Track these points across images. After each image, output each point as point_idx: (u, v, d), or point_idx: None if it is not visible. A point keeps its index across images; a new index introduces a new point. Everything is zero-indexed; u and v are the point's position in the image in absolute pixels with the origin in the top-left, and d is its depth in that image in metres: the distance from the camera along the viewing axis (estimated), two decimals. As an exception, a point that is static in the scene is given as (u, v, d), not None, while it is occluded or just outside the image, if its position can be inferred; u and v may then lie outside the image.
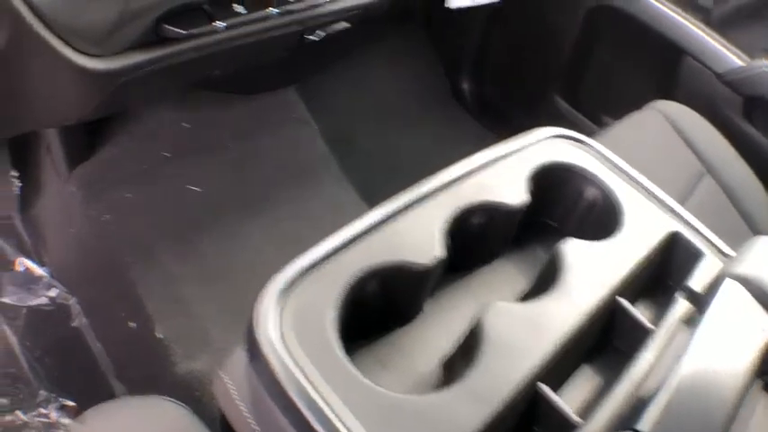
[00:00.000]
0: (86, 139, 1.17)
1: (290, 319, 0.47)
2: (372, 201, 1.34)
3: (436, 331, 0.58)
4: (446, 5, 1.29)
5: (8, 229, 1.40)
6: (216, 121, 1.28)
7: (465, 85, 1.76)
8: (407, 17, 1.68)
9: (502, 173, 0.63)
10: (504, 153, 0.65)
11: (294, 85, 1.42)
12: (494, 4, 1.33)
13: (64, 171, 1.18)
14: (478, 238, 0.62)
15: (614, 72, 1.49)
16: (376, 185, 1.40)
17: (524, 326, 0.52)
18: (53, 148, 1.17)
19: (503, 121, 1.65)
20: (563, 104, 1.56)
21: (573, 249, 0.59)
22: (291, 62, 1.25)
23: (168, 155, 1.20)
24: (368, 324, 0.55)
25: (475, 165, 0.63)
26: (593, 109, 1.53)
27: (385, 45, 1.65)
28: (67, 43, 0.72)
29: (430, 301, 0.60)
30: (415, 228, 0.56)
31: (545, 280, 0.59)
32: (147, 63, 0.79)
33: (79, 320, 1.27)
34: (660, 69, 1.37)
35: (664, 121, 1.15)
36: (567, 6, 1.46)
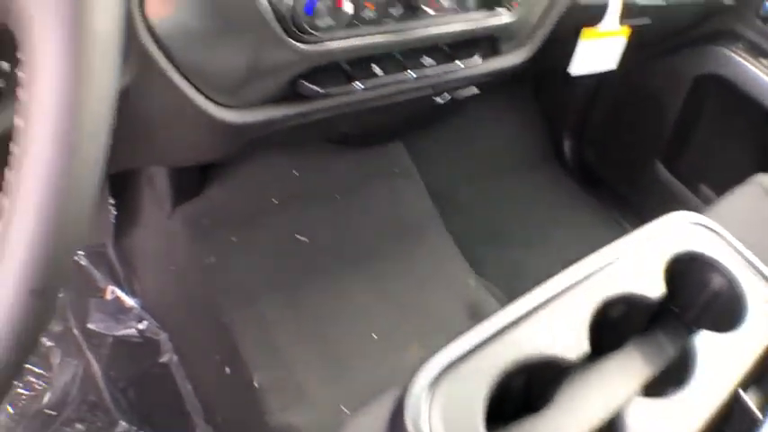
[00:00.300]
0: (195, 177, 1.17)
1: (439, 413, 0.47)
2: (473, 258, 1.34)
3: (569, 421, 0.58)
4: (568, 71, 1.25)
5: (100, 257, 1.40)
6: (324, 170, 1.27)
7: (566, 145, 1.78)
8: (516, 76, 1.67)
9: (640, 263, 0.64)
10: (640, 242, 0.66)
11: (401, 138, 1.40)
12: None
13: (168, 207, 1.18)
14: (613, 328, 0.62)
15: (717, 142, 1.48)
16: (477, 242, 1.38)
17: (663, 422, 0.53)
18: (157, 182, 1.17)
19: (601, 183, 1.67)
20: (663, 171, 1.56)
21: (705, 343, 0.59)
22: (401, 117, 1.22)
23: (276, 201, 1.19)
24: (500, 412, 0.55)
25: (614, 255, 0.63)
26: (693, 178, 1.52)
27: (489, 101, 1.63)
28: (198, 90, 0.70)
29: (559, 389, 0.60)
30: (561, 321, 0.56)
31: (675, 371, 0.59)
32: (281, 119, 0.77)
33: (169, 357, 1.25)
34: (764, 141, 1.32)
35: (768, 197, 1.09)
36: (673, 74, 1.46)
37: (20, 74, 0.35)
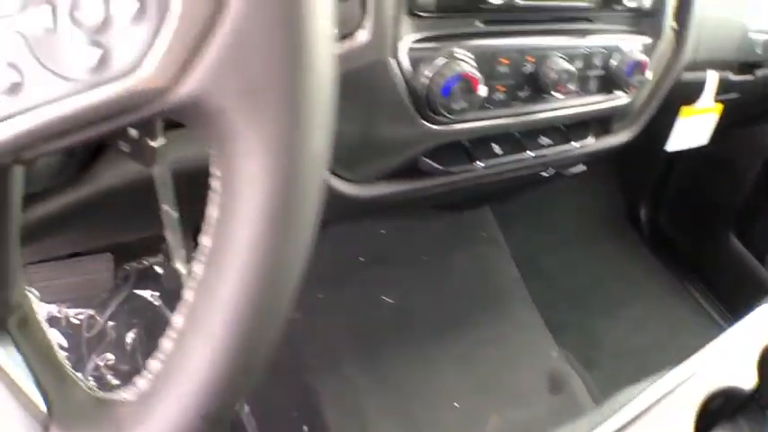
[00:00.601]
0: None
1: None
2: (554, 326, 1.33)
3: None
4: (665, 149, 1.24)
5: (176, 300, 1.40)
6: (412, 231, 1.26)
7: (642, 212, 1.75)
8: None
9: (737, 357, 0.63)
10: (737, 336, 0.65)
11: (488, 203, 1.39)
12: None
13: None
14: (709, 420, 0.61)
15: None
16: (557, 310, 1.36)
17: None
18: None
19: (675, 251, 1.66)
20: (735, 243, 1.56)
21: None
22: (496, 186, 1.21)
23: (363, 260, 1.18)
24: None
25: (713, 352, 0.64)
26: (765, 252, 1.51)
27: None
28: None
29: None
30: (668, 419, 0.57)
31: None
32: (397, 195, 0.76)
33: (241, 408, 1.24)
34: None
35: None
36: (751, 144, 1.46)
37: (213, 183, 0.33)
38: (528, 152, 0.81)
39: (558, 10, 0.75)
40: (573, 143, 0.85)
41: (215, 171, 0.32)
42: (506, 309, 1.29)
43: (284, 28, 0.29)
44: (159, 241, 0.54)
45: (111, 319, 1.35)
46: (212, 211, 0.32)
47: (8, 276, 0.38)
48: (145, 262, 1.30)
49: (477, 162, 0.77)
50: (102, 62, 0.28)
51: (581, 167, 0.97)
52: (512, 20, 0.72)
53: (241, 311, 0.32)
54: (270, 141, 0.30)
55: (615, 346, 1.43)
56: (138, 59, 0.28)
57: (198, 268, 0.33)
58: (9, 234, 0.38)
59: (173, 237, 0.52)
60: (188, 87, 0.29)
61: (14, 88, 0.29)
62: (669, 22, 0.92)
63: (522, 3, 0.70)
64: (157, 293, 1.34)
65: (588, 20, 0.81)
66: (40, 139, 0.30)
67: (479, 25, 0.70)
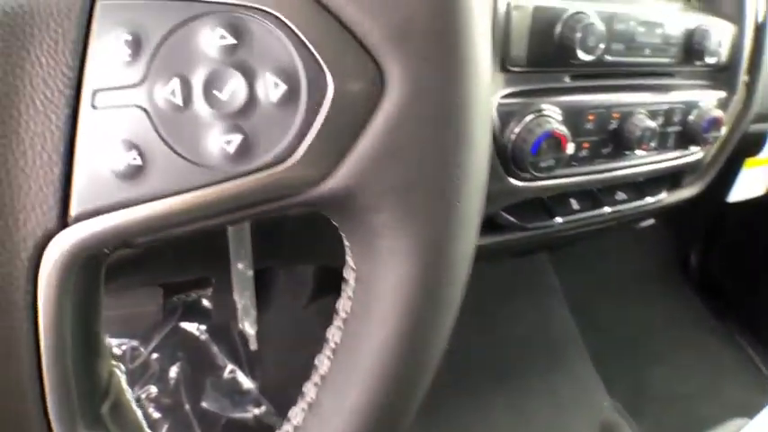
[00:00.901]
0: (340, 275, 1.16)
1: None
2: (605, 375, 1.30)
3: None
4: (726, 200, 1.23)
5: (222, 334, 1.39)
6: (472, 277, 1.24)
7: (692, 259, 1.73)
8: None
9: None
10: None
11: (547, 251, 1.38)
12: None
13: (305, 299, 1.16)
14: None
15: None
16: (610, 357, 1.33)
17: None
18: (299, 276, 1.16)
19: (725, 300, 1.64)
20: None
21: None
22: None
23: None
24: None
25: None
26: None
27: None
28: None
29: None
30: None
31: None
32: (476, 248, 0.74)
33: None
34: None
35: None
36: None
37: (346, 274, 0.31)
38: (605, 208, 0.79)
39: (644, 65, 0.74)
40: (647, 198, 0.84)
41: (351, 263, 0.30)
42: (561, 358, 1.27)
43: (446, 121, 0.27)
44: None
45: (155, 351, 1.34)
46: (344, 305, 0.30)
47: (99, 359, 0.33)
48: (193, 295, 1.29)
49: (557, 218, 0.75)
50: (243, 150, 0.25)
51: (650, 221, 0.95)
52: (599, 74, 0.71)
53: (369, 413, 0.30)
54: (422, 243, 0.29)
55: (663, 394, 1.40)
56: (284, 149, 0.26)
57: (324, 363, 0.31)
58: (98, 322, 0.33)
59: (244, 297, 0.49)
60: (338, 180, 0.27)
61: (133, 172, 0.25)
62: (743, 76, 0.91)
63: (611, 59, 0.69)
64: (204, 327, 1.33)
65: (670, 74, 0.79)
66: (157, 229, 0.27)
67: (567, 81, 0.69)
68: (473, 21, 0.26)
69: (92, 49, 0.25)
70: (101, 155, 0.25)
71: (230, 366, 1.36)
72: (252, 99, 0.25)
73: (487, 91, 0.29)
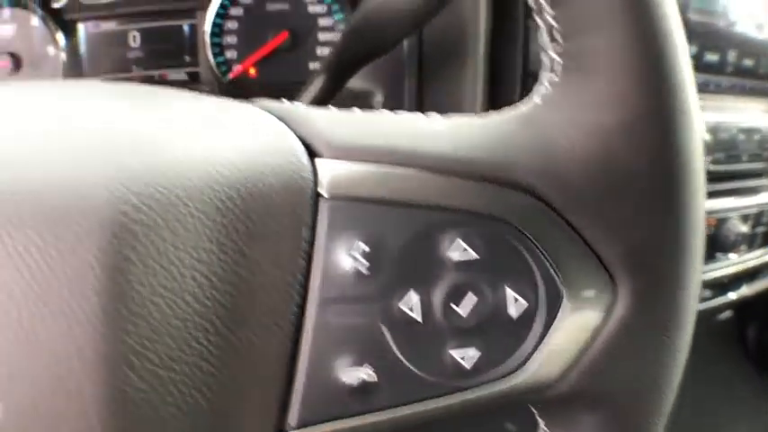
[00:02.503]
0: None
1: None
2: None
3: None
4: None
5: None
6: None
7: (750, 331, 1.70)
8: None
9: None
10: None
11: None
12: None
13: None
14: None
15: None
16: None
17: None
18: None
19: None
20: None
21: None
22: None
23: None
24: None
25: None
26: None
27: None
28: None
29: None
30: None
31: None
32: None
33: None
34: None
35: None
36: None
37: None
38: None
39: (740, 171, 0.74)
40: (730, 294, 0.83)
41: None
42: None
43: (676, 324, 0.28)
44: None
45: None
46: None
47: None
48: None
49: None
50: (478, 365, 0.25)
51: (728, 313, 0.94)
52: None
53: None
54: None
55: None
56: (519, 361, 0.25)
57: None
58: None
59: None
60: (564, 383, 0.26)
61: (365, 387, 0.24)
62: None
63: (713, 168, 0.69)
64: None
65: (759, 176, 0.79)
66: None
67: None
68: (698, 240, 0.26)
69: (319, 255, 0.24)
70: (329, 366, 0.24)
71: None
72: (490, 314, 0.25)
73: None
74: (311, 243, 0.24)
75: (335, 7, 0.71)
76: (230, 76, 0.71)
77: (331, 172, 0.25)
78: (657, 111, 0.24)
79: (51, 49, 0.73)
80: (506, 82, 0.62)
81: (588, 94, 0.25)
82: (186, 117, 0.27)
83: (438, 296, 0.25)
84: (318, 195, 0.25)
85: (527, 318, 0.25)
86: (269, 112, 0.28)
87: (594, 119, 0.25)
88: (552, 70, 0.26)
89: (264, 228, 0.24)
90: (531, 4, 0.26)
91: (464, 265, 0.25)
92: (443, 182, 0.25)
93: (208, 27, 0.70)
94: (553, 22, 0.25)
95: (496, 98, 0.62)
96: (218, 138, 0.25)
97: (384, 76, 0.66)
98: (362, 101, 0.67)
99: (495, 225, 0.25)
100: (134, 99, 0.28)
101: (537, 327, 0.25)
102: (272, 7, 0.71)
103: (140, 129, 0.25)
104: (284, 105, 0.29)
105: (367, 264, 0.24)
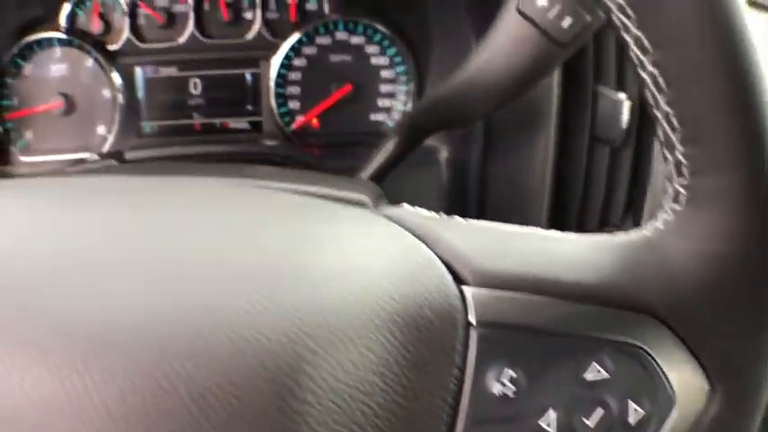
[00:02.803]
0: None
1: None
2: None
3: None
4: None
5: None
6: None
7: None
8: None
9: None
10: None
11: None
12: None
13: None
14: None
15: None
16: None
17: None
18: None
19: None
20: None
21: None
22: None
23: None
24: None
25: None
26: None
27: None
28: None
29: None
30: None
31: None
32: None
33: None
34: None
35: None
36: None
37: None
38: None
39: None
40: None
41: None
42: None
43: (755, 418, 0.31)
44: None
45: None
46: None
47: None
48: None
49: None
50: None
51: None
52: None
53: None
54: None
55: None
56: None
57: None
58: None
59: None
60: None
61: None
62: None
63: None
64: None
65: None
66: None
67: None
68: None
69: (469, 380, 0.27)
70: None
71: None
72: (613, 423, 0.28)
73: None
74: (462, 369, 0.27)
75: (398, 59, 0.71)
76: (294, 126, 0.72)
77: (479, 301, 0.28)
78: None
79: (106, 92, 0.72)
80: (575, 146, 0.64)
81: (708, 226, 0.27)
82: (335, 243, 0.29)
83: (572, 413, 0.28)
84: (468, 324, 0.27)
85: (643, 423, 0.28)
86: (408, 230, 0.30)
87: (713, 249, 0.27)
88: (676, 200, 0.28)
89: (421, 357, 0.26)
90: (660, 138, 0.28)
91: (596, 384, 0.28)
92: (583, 311, 0.28)
93: (273, 77, 0.70)
94: (682, 159, 0.27)
95: (564, 163, 0.64)
96: (371, 267, 0.27)
97: (452, 133, 0.67)
98: (427, 156, 0.68)
99: (625, 348, 0.28)
100: (276, 217, 0.31)
101: (650, 430, 0.28)
102: (334, 59, 0.71)
103: (297, 261, 0.27)
104: (422, 224, 0.31)
105: (513, 388, 0.27)
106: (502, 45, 0.52)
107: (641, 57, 0.26)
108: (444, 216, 0.32)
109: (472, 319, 0.27)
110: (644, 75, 0.27)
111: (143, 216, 0.30)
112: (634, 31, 0.26)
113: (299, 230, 0.30)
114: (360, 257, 0.28)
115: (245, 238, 0.28)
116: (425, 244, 0.29)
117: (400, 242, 0.30)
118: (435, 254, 0.29)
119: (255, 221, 0.30)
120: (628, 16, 0.26)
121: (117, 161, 0.60)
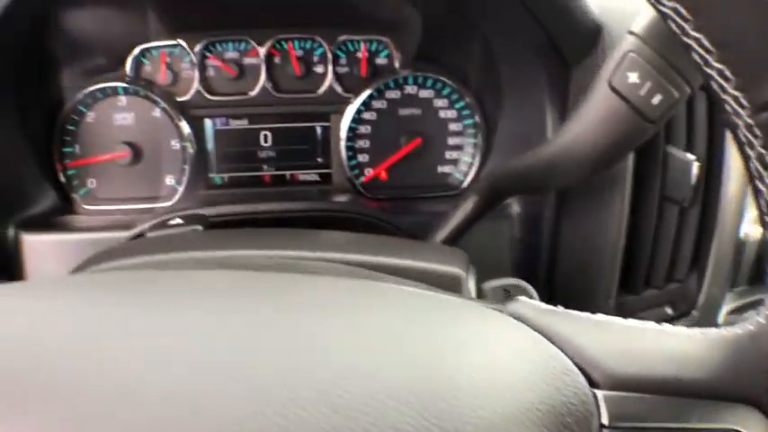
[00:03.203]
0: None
1: None
2: None
3: None
4: None
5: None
6: None
7: None
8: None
9: None
10: None
11: None
12: None
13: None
14: None
15: None
16: None
17: None
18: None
19: None
20: None
21: None
22: None
23: None
24: None
25: None
26: None
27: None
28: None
29: None
30: None
31: None
32: None
33: None
34: None
35: None
36: None
37: None
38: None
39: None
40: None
41: None
42: None
43: None
44: None
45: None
46: None
47: None
48: None
49: None
50: None
51: None
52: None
53: None
54: None
55: None
56: None
57: None
58: None
59: None
60: None
61: None
62: None
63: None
64: None
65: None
66: None
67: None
68: None
69: None
70: None
71: None
72: None
73: None
74: None
75: (466, 112, 0.73)
76: (364, 179, 0.72)
77: (609, 402, 0.30)
78: None
79: (175, 143, 0.72)
80: (646, 206, 0.65)
81: None
82: (475, 353, 0.30)
83: None
84: (602, 425, 0.29)
85: None
86: (536, 329, 0.32)
87: None
88: None
89: None
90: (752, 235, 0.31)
91: None
92: (700, 405, 0.30)
93: (344, 131, 0.71)
94: None
95: (635, 221, 0.65)
96: (514, 378, 0.29)
97: (524, 190, 0.68)
98: (500, 210, 0.69)
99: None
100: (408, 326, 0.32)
101: None
102: (404, 112, 0.72)
103: (444, 375, 0.28)
104: (548, 323, 0.33)
105: None
106: (592, 118, 0.53)
107: (741, 113, 0.27)
108: (562, 309, 0.34)
109: (605, 420, 0.29)
110: (741, 136, 0.28)
111: (277, 331, 0.29)
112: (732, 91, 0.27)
113: (436, 343, 0.30)
114: (500, 367, 0.29)
115: (388, 352, 0.29)
116: (555, 344, 0.31)
117: (535, 347, 0.31)
118: (567, 355, 0.31)
119: (391, 331, 0.31)
120: (726, 79, 0.27)
121: (201, 225, 0.59)
